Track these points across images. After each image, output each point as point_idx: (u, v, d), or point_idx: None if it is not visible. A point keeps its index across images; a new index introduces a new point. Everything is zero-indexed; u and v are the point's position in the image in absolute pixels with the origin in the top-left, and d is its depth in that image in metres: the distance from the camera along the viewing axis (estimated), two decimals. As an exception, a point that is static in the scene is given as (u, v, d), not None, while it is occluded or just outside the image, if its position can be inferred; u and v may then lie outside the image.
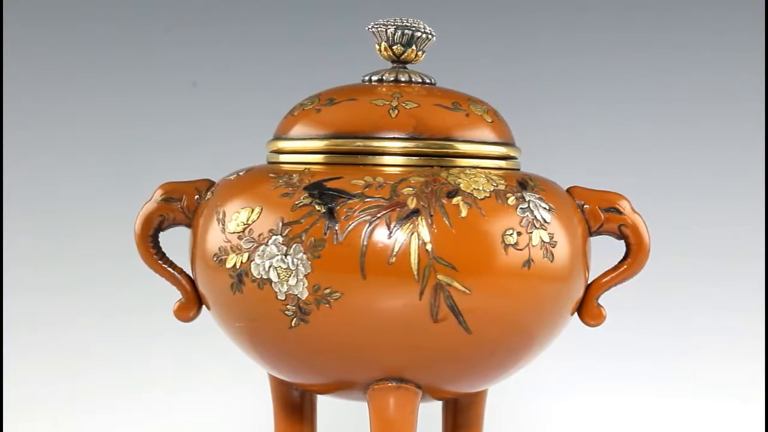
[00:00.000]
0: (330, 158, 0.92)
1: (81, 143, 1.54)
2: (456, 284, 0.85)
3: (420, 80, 0.96)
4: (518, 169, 0.95)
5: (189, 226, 0.97)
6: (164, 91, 1.54)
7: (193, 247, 0.95)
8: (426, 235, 0.85)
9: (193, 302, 0.97)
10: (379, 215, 0.85)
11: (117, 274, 1.43)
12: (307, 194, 0.87)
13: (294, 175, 0.89)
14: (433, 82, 0.97)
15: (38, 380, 1.34)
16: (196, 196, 0.96)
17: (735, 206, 1.48)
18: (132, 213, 1.48)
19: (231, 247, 0.88)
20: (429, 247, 0.85)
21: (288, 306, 0.86)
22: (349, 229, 0.85)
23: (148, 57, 1.55)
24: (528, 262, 0.87)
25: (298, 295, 0.85)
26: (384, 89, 0.95)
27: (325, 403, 1.05)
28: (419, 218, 0.85)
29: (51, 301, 1.45)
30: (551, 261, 0.89)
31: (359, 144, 0.91)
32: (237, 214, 0.89)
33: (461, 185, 0.88)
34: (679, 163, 1.50)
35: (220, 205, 0.91)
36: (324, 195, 0.86)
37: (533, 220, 0.89)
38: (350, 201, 0.86)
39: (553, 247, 0.89)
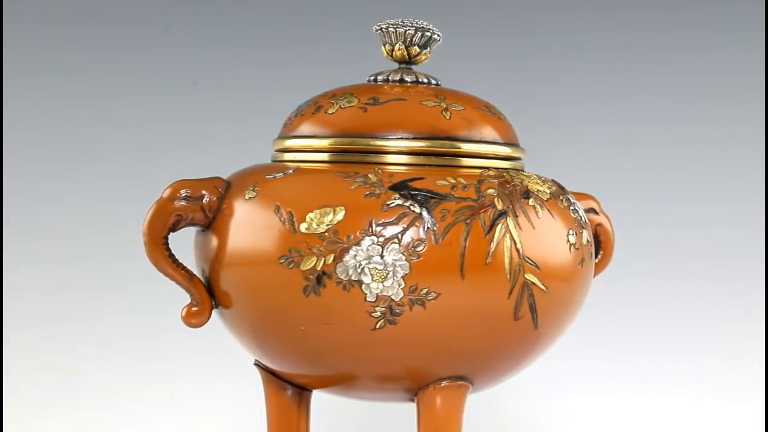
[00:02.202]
0: (336, 156, 0.91)
1: (80, 143, 1.52)
2: (538, 283, 0.88)
3: (425, 81, 0.98)
4: (523, 170, 0.97)
5: (206, 226, 0.92)
6: (164, 91, 1.53)
7: (218, 248, 0.90)
8: (516, 235, 0.87)
9: (206, 306, 0.92)
10: (473, 216, 0.86)
11: (117, 274, 1.43)
12: (398, 195, 0.86)
13: (369, 175, 0.87)
14: (438, 82, 0.98)
15: (38, 380, 1.34)
16: (217, 195, 0.91)
17: (735, 206, 1.50)
18: (131, 213, 1.42)
19: (308, 249, 0.85)
20: (519, 247, 0.87)
21: (377, 307, 0.85)
22: (448, 229, 0.85)
23: (148, 57, 1.53)
24: (582, 261, 0.92)
25: (392, 297, 0.84)
26: (398, 89, 0.95)
27: (326, 404, 1.03)
28: (507, 218, 0.87)
29: (51, 301, 1.43)
30: (592, 258, 0.95)
31: (371, 143, 0.91)
32: (315, 215, 0.86)
33: (528, 186, 0.91)
34: (680, 163, 1.53)
35: (281, 204, 0.87)
36: (416, 196, 0.86)
37: (580, 220, 0.94)
38: (443, 202, 0.86)
39: (592, 246, 0.95)
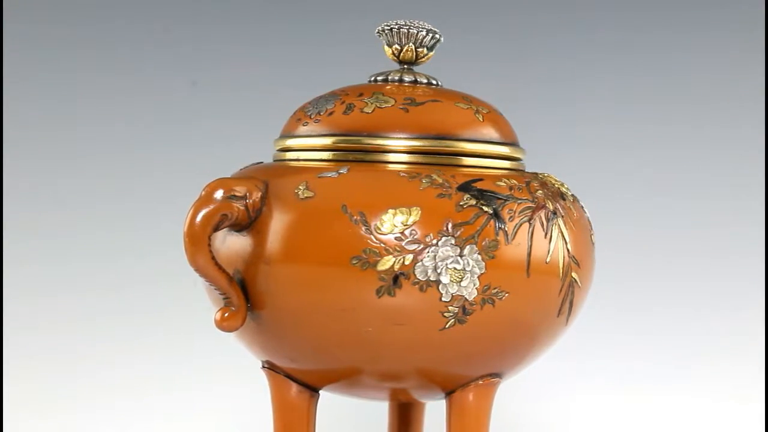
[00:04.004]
0: (336, 155, 0.92)
1: (80, 143, 1.51)
2: (578, 280, 0.93)
3: (426, 81, 0.99)
4: (523, 170, 0.99)
5: (246, 226, 0.89)
6: (164, 90, 1.52)
7: (265, 249, 0.88)
8: (566, 234, 0.91)
9: (243, 309, 0.90)
10: (533, 216, 0.89)
11: (117, 274, 1.43)
12: (469, 195, 0.87)
13: (433, 175, 0.88)
14: (438, 83, 1.00)
15: (38, 380, 1.35)
16: (260, 194, 0.89)
17: (735, 206, 1.49)
18: (131, 212, 1.43)
19: (385, 249, 0.85)
20: (569, 246, 0.91)
21: (450, 307, 0.86)
22: (516, 229, 0.88)
23: (148, 57, 1.53)
24: (594, 258, 0.98)
25: (466, 296, 0.86)
26: (400, 89, 0.96)
27: (326, 405, 1.01)
28: (558, 218, 0.91)
29: (51, 301, 1.43)
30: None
31: (373, 142, 0.92)
32: (390, 215, 0.85)
33: (560, 188, 0.95)
34: (680, 163, 1.52)
35: (348, 204, 0.86)
36: (485, 196, 0.88)
37: (589, 219, 0.99)
38: (508, 202, 0.88)
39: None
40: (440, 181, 0.88)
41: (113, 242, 1.42)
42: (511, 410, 1.13)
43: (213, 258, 0.87)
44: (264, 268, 0.88)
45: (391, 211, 0.85)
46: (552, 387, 1.37)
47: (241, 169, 0.98)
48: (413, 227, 0.85)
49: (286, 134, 0.96)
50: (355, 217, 0.85)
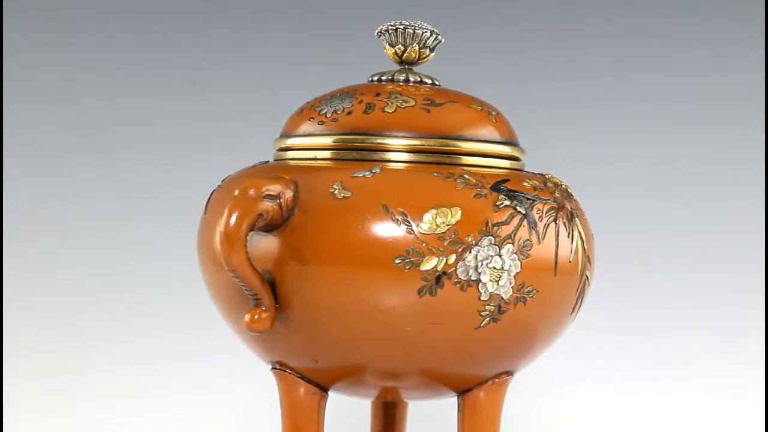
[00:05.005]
0: (339, 154, 0.93)
1: (80, 143, 1.52)
2: (590, 277, 0.96)
3: (430, 82, 1.00)
4: (522, 170, 1.02)
5: (278, 226, 0.88)
6: (164, 90, 1.52)
7: (300, 249, 0.87)
8: (582, 233, 0.94)
9: (274, 310, 0.89)
10: (558, 216, 0.92)
11: (117, 274, 1.43)
12: (503, 195, 0.89)
13: (465, 176, 0.89)
14: (438, 83, 1.01)
15: (38, 380, 1.35)
16: (292, 194, 0.88)
17: (735, 206, 1.48)
18: (131, 212, 1.43)
19: (429, 249, 0.86)
20: (585, 245, 0.94)
21: (487, 306, 0.88)
22: (546, 229, 0.90)
23: (148, 56, 1.53)
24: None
25: (502, 295, 0.88)
26: (411, 89, 0.97)
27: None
28: (575, 218, 0.94)
29: (51, 301, 1.44)
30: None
31: (374, 141, 0.93)
32: (433, 215, 0.86)
33: (566, 188, 0.98)
34: (680, 162, 1.50)
35: (390, 204, 0.86)
36: (517, 196, 0.90)
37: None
38: (536, 203, 0.91)
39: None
40: (474, 181, 0.89)
41: (113, 242, 1.41)
42: (510, 410, 1.14)
43: (248, 258, 0.86)
44: (298, 269, 0.87)
45: (432, 211, 0.86)
46: (552, 387, 1.38)
47: (247, 169, 0.96)
48: (455, 227, 0.86)
49: (298, 133, 0.95)
50: (396, 217, 0.85)
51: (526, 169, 0.98)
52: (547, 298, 0.90)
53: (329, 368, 0.92)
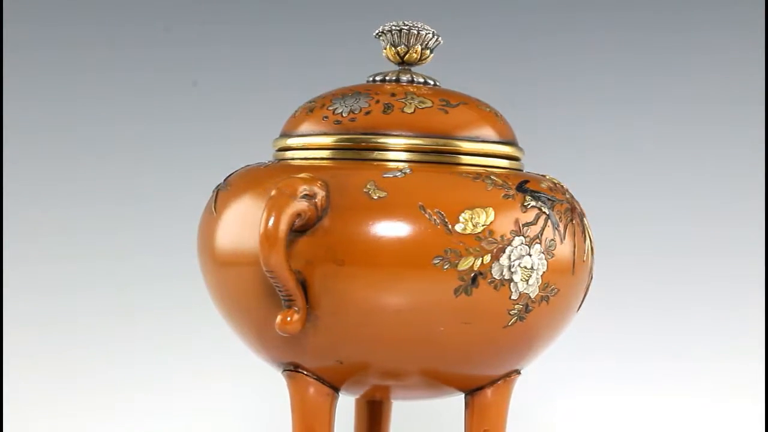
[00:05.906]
0: (359, 154, 0.94)
1: (80, 143, 1.52)
2: (594, 275, 0.99)
3: (433, 82, 1.01)
4: (521, 170, 1.00)
5: (311, 226, 0.88)
6: (164, 90, 1.52)
7: (334, 249, 0.87)
8: (590, 233, 0.97)
9: (305, 311, 0.88)
10: (573, 216, 0.94)
11: (117, 274, 1.43)
12: (529, 196, 0.91)
13: (492, 177, 0.91)
14: (437, 83, 1.02)
15: (38, 380, 1.36)
16: (325, 194, 0.88)
17: (735, 206, 1.46)
18: (131, 213, 1.45)
19: (466, 249, 0.87)
20: (593, 244, 0.97)
21: (516, 305, 0.89)
22: (566, 229, 0.93)
23: (148, 57, 1.53)
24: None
25: (530, 294, 0.90)
26: (399, 88, 0.98)
27: None
28: (585, 218, 0.97)
29: (51, 301, 1.44)
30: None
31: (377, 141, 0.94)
32: (468, 215, 0.87)
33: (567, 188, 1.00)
34: (680, 162, 1.49)
35: (426, 204, 0.87)
36: (540, 197, 0.92)
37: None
38: (555, 203, 0.93)
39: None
40: (500, 182, 0.90)
41: (113, 242, 1.41)
42: (510, 410, 1.16)
43: (287, 259, 0.85)
44: (333, 269, 0.86)
45: (468, 211, 0.87)
46: (552, 387, 1.38)
47: (258, 168, 0.95)
48: (490, 227, 0.87)
49: (312, 132, 0.94)
50: (434, 218, 0.86)
51: (519, 169, 0.99)
52: (566, 297, 0.92)
53: (351, 368, 0.91)
